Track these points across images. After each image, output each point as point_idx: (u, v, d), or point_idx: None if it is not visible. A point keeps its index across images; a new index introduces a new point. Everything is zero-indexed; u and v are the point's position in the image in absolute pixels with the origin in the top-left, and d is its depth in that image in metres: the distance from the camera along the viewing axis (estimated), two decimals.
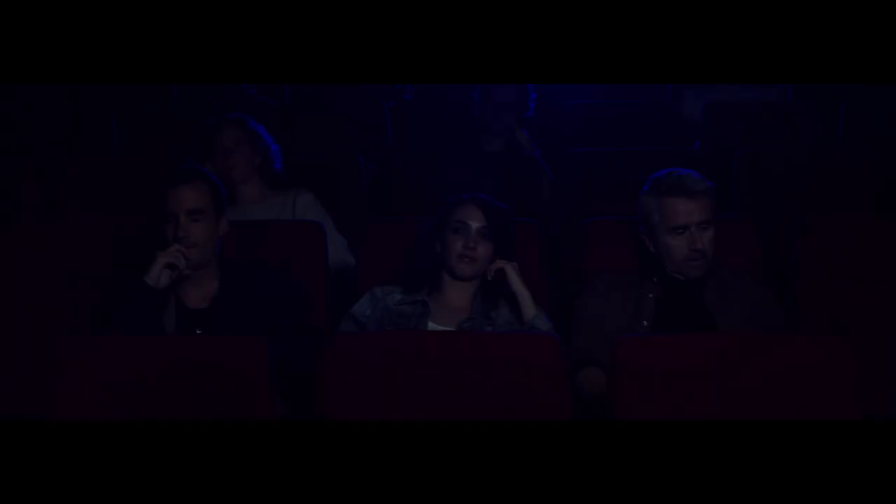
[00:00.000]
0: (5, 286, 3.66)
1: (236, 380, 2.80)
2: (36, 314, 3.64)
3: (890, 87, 5.01)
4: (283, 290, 3.32)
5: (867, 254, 3.68)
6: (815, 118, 5.18)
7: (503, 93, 4.89)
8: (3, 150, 4.84)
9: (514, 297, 3.34)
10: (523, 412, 2.76)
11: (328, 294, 3.72)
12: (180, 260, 3.22)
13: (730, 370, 2.76)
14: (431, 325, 3.34)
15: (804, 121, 5.16)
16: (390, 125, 5.35)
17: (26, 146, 4.94)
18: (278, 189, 4.18)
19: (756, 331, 3.29)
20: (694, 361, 2.78)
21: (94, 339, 3.00)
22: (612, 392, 2.78)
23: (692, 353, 2.80)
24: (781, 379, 2.75)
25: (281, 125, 4.45)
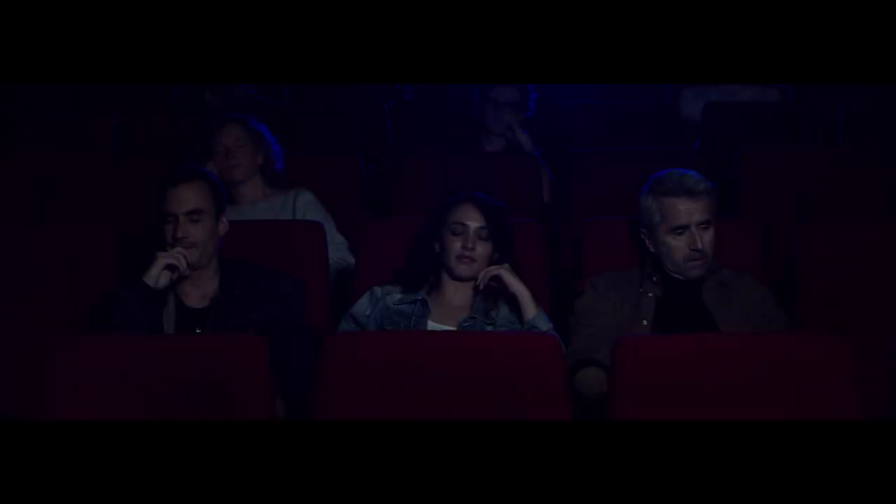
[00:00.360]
0: (5, 286, 3.67)
1: (236, 380, 2.80)
2: (36, 314, 3.64)
3: (890, 87, 5.01)
4: (282, 289, 3.32)
5: (867, 254, 3.68)
6: (815, 118, 5.17)
7: (502, 92, 4.88)
8: (4, 150, 4.84)
9: (514, 298, 3.34)
10: (523, 412, 2.76)
11: (328, 294, 3.72)
12: (181, 262, 3.21)
13: (730, 370, 2.76)
14: (431, 325, 3.34)
15: (804, 121, 5.16)
16: (390, 125, 5.34)
17: (26, 146, 4.93)
18: (279, 189, 4.18)
19: (756, 331, 3.29)
20: (694, 361, 2.77)
21: (94, 339, 3.00)
22: (612, 392, 2.78)
23: (692, 353, 2.80)
24: (781, 379, 2.75)
25: (281, 125, 4.45)
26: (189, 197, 3.27)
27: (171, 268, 3.22)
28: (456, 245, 3.36)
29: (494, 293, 3.38)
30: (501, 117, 4.88)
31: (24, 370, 3.46)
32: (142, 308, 3.17)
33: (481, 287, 3.35)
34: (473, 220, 3.37)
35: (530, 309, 3.31)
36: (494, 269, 3.35)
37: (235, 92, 5.46)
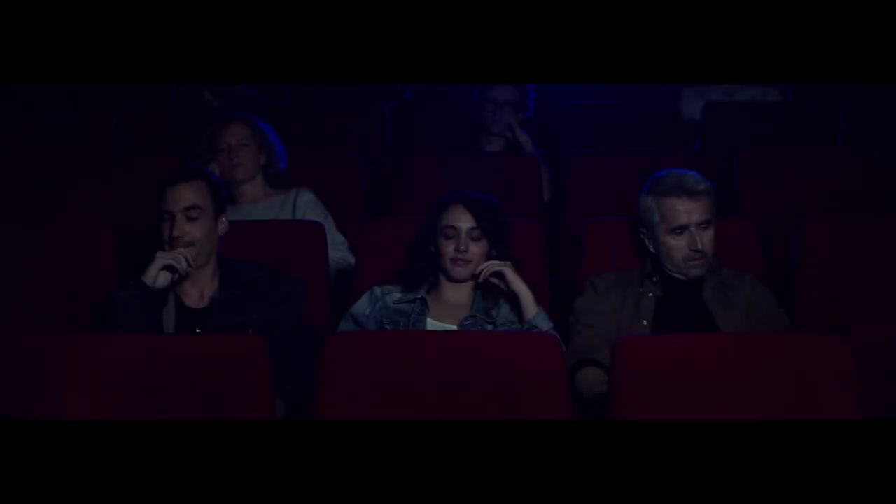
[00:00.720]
0: (5, 286, 3.66)
1: (236, 380, 2.80)
2: (36, 314, 3.64)
3: (890, 87, 5.01)
4: (282, 289, 3.32)
5: (867, 253, 3.68)
6: (815, 118, 5.17)
7: (501, 92, 4.88)
8: (4, 150, 4.84)
9: (515, 297, 3.34)
10: (523, 412, 2.76)
11: (328, 294, 3.71)
12: (181, 263, 3.20)
13: (730, 370, 2.76)
14: (431, 323, 3.34)
15: (804, 121, 5.16)
16: (390, 125, 5.35)
17: (26, 146, 4.93)
18: (279, 188, 4.18)
19: (756, 331, 3.29)
20: (694, 361, 2.77)
21: (94, 339, 3.00)
22: (612, 392, 2.78)
23: (692, 353, 2.80)
24: (781, 379, 2.75)
25: (281, 125, 4.45)
26: (187, 195, 3.27)
27: (169, 268, 3.21)
28: (449, 248, 3.36)
29: (495, 291, 3.38)
30: (501, 117, 4.88)
31: (24, 370, 3.46)
32: (141, 308, 3.17)
33: (481, 280, 3.35)
34: (464, 222, 3.37)
35: (531, 308, 3.31)
36: (498, 265, 3.34)
37: (235, 92, 5.45)
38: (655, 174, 3.41)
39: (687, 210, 3.32)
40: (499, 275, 3.35)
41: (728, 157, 4.53)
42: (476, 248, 3.36)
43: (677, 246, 3.33)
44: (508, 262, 3.35)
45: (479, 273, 3.35)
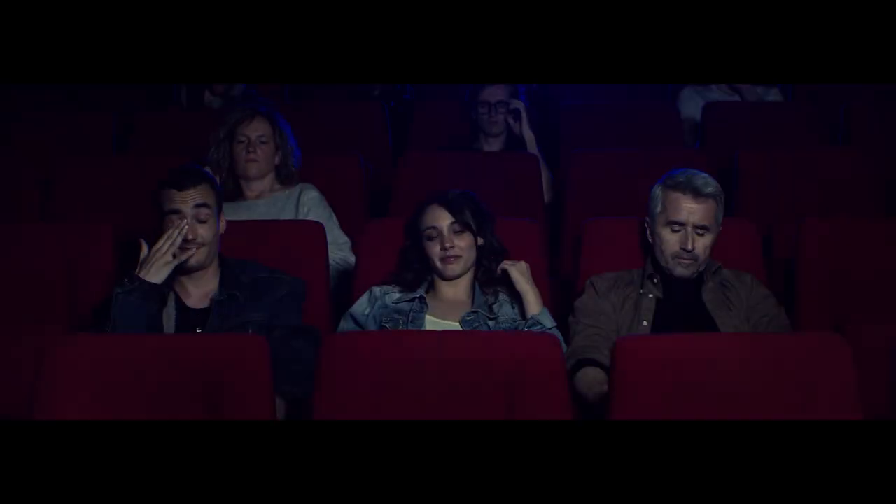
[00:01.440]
0: (4, 286, 3.66)
1: (236, 380, 2.80)
2: (36, 314, 3.64)
3: (890, 87, 5.01)
4: (282, 289, 3.32)
5: (867, 253, 3.68)
6: (815, 118, 5.18)
7: (492, 93, 4.86)
8: (3, 150, 4.84)
9: (519, 295, 3.36)
10: (523, 412, 2.75)
11: (328, 294, 3.71)
12: (186, 253, 3.20)
13: (730, 370, 2.76)
14: (431, 320, 3.35)
15: (804, 121, 5.16)
16: (390, 125, 5.34)
17: (26, 146, 4.93)
18: (284, 184, 4.17)
19: (756, 331, 3.29)
20: (694, 361, 2.77)
21: (94, 339, 3.00)
22: (612, 392, 2.78)
23: (692, 353, 2.79)
24: (781, 379, 2.75)
25: None
26: (196, 197, 3.27)
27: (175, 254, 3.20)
28: (436, 249, 3.38)
29: (494, 285, 3.40)
30: (497, 118, 4.88)
31: (24, 370, 3.46)
32: (139, 305, 3.16)
33: (499, 271, 3.37)
34: (443, 220, 3.39)
35: (534, 307, 3.33)
36: (510, 265, 3.37)
37: (235, 92, 5.45)
38: (673, 170, 3.43)
39: (688, 209, 3.33)
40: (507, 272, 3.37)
41: (728, 157, 4.53)
42: (461, 242, 3.38)
43: (669, 240, 3.35)
44: (522, 263, 3.37)
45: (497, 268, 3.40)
